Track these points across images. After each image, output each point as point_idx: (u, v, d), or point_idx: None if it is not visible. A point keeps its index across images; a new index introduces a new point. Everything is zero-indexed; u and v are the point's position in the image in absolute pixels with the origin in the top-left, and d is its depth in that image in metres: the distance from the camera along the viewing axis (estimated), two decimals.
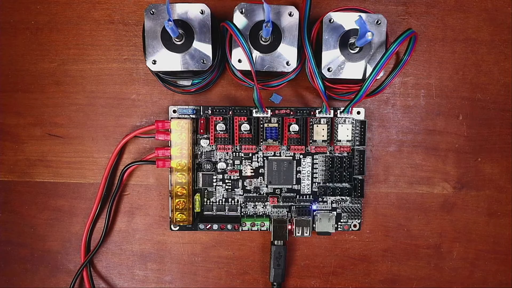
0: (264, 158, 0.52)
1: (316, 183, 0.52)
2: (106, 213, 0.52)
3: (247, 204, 0.53)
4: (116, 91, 0.52)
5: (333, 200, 0.53)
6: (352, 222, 0.53)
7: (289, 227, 0.51)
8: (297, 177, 0.52)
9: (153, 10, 0.44)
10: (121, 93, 0.52)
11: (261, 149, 0.51)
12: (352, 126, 0.50)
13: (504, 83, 0.53)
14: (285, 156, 0.52)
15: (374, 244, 0.54)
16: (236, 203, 0.52)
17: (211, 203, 0.52)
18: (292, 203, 0.52)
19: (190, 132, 0.48)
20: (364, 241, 0.54)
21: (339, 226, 0.53)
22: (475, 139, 0.54)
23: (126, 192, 0.53)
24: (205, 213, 0.52)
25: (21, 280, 0.54)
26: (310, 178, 0.52)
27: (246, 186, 0.52)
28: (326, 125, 0.50)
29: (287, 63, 0.46)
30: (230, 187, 0.52)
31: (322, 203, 0.53)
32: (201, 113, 0.51)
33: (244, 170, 0.52)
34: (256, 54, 0.45)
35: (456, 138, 0.54)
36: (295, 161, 0.52)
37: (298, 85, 0.52)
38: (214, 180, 0.52)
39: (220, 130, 0.50)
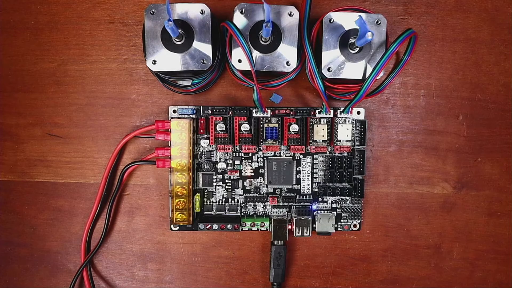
0: (264, 158, 0.52)
1: (316, 183, 0.52)
2: (106, 213, 0.52)
3: (247, 204, 0.53)
4: (116, 91, 0.52)
5: (333, 200, 0.53)
6: (352, 222, 0.53)
7: (289, 227, 0.51)
8: (297, 177, 0.52)
9: (153, 10, 0.44)
10: (121, 93, 0.52)
11: (261, 149, 0.51)
12: (352, 126, 0.50)
13: (504, 83, 0.53)
14: (285, 156, 0.52)
15: (374, 244, 0.54)
16: (236, 203, 0.52)
17: (211, 203, 0.52)
18: (292, 203, 0.52)
19: (190, 132, 0.48)
20: (364, 241, 0.54)
21: (339, 226, 0.53)
22: (475, 139, 0.54)
23: (126, 192, 0.53)
24: (205, 213, 0.52)
25: (21, 280, 0.54)
26: (310, 178, 0.52)
27: (246, 186, 0.52)
28: (326, 125, 0.50)
29: (287, 63, 0.46)
30: (230, 187, 0.52)
31: (322, 203, 0.53)
32: (201, 113, 0.51)
33: (244, 170, 0.52)
34: (256, 54, 0.45)
35: (456, 138, 0.54)
36: (295, 161, 0.52)
37: (298, 85, 0.52)
38: (214, 180, 0.52)
39: (220, 130, 0.50)
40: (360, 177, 0.51)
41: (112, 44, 0.52)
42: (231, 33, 0.43)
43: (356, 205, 0.53)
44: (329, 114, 0.51)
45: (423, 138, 0.53)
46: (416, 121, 0.53)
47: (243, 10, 0.45)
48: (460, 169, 0.54)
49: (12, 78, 0.52)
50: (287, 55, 0.46)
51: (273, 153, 0.52)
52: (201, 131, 0.50)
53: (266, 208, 0.53)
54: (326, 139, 0.50)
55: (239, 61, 0.45)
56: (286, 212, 0.53)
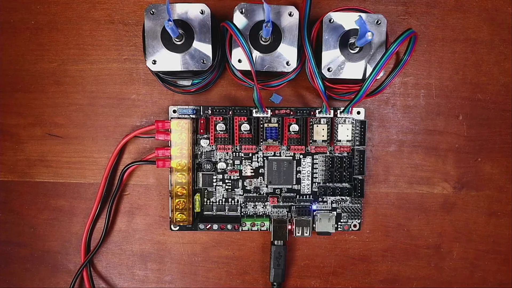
0: (264, 158, 0.52)
1: (316, 183, 0.52)
2: (106, 213, 0.52)
3: (247, 204, 0.53)
4: (116, 91, 0.52)
5: (333, 200, 0.53)
6: (352, 222, 0.53)
7: (289, 227, 0.51)
8: (297, 177, 0.52)
9: (153, 10, 0.44)
10: (121, 93, 0.52)
11: (261, 149, 0.51)
12: (352, 126, 0.50)
13: (504, 83, 0.53)
14: (285, 156, 0.52)
15: (374, 244, 0.54)
16: (236, 203, 0.52)
17: (211, 203, 0.52)
18: (292, 203, 0.52)
19: (190, 132, 0.48)
20: (364, 241, 0.54)
21: (339, 226, 0.53)
22: (475, 139, 0.54)
23: (126, 192, 0.53)
24: (205, 213, 0.52)
25: (21, 280, 0.54)
26: (310, 178, 0.52)
27: (246, 186, 0.52)
28: (326, 125, 0.50)
29: (287, 63, 0.46)
30: (230, 187, 0.52)
31: (322, 203, 0.53)
32: (201, 113, 0.51)
33: (244, 170, 0.52)
34: (256, 54, 0.45)
35: (456, 138, 0.54)
36: (295, 161, 0.52)
37: (298, 85, 0.52)
38: (214, 180, 0.52)
39: (220, 130, 0.50)
40: (360, 177, 0.51)
41: (112, 44, 0.52)
42: (231, 33, 0.43)
43: (356, 205, 0.53)
44: (329, 114, 0.51)
45: (423, 138, 0.53)
46: (416, 121, 0.53)
47: (243, 10, 0.45)
48: (460, 169, 0.54)
49: (12, 78, 0.52)
50: (287, 55, 0.46)
51: (273, 153, 0.52)
52: (201, 131, 0.50)
53: (266, 208, 0.53)
54: (326, 139, 0.50)
55: (239, 61, 0.45)
56: (286, 212, 0.53)
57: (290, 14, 0.45)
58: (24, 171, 0.53)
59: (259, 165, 0.52)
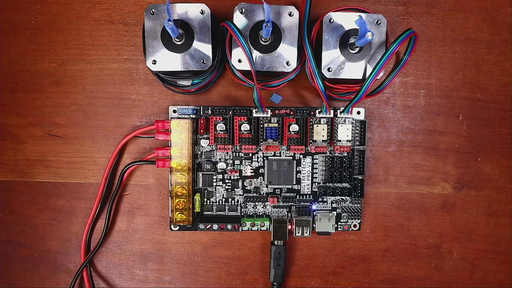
0: (264, 158, 0.52)
1: (316, 183, 0.52)
2: (106, 213, 0.52)
3: (247, 204, 0.53)
4: (116, 91, 0.52)
5: (333, 200, 0.53)
6: (352, 222, 0.53)
7: (289, 227, 0.51)
8: (297, 177, 0.52)
9: (153, 10, 0.44)
10: (121, 93, 0.52)
11: (261, 149, 0.51)
12: (352, 126, 0.50)
13: (504, 83, 0.53)
14: (285, 156, 0.52)
15: (374, 244, 0.54)
16: (236, 203, 0.52)
17: (211, 203, 0.52)
18: (292, 203, 0.52)
19: (190, 132, 0.48)
20: (364, 241, 0.54)
21: (339, 226, 0.53)
22: (475, 139, 0.54)
23: (126, 192, 0.53)
24: (205, 213, 0.52)
25: (21, 280, 0.54)
26: (310, 178, 0.52)
27: (246, 186, 0.52)
28: (326, 125, 0.50)
29: (287, 63, 0.46)
30: (230, 187, 0.52)
31: (322, 203, 0.53)
32: (201, 113, 0.51)
33: (244, 170, 0.52)
34: (256, 54, 0.45)
35: (456, 138, 0.54)
36: (295, 161, 0.52)
37: (298, 85, 0.52)
38: (214, 180, 0.52)
39: (220, 130, 0.50)
40: (360, 177, 0.51)
41: (112, 44, 0.52)
42: (231, 33, 0.43)
43: (356, 205, 0.53)
44: (329, 114, 0.51)
45: (423, 138, 0.53)
46: (416, 121, 0.53)
47: (243, 10, 0.45)
48: (460, 169, 0.54)
49: (12, 78, 0.52)
50: (287, 55, 0.46)
51: (273, 153, 0.52)
52: (201, 131, 0.50)
53: (266, 208, 0.53)
54: (326, 139, 0.50)
55: (239, 61, 0.45)
56: (286, 212, 0.53)
57: (290, 14, 0.45)
58: (24, 171, 0.53)
59: (259, 165, 0.52)
